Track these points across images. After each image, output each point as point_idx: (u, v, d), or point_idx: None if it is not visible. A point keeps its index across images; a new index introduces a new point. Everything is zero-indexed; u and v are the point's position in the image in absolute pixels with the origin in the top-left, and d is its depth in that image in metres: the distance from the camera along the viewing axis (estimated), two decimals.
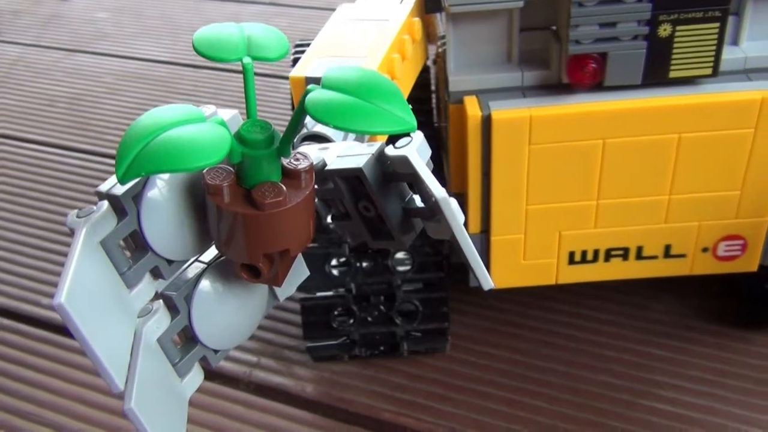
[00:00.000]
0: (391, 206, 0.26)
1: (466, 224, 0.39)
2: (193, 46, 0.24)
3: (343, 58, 0.33)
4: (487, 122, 0.37)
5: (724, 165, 0.38)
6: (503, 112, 0.36)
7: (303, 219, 0.25)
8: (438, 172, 0.43)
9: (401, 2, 0.37)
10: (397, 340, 0.45)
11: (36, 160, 0.72)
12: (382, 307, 0.44)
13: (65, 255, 0.55)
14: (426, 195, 0.25)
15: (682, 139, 0.37)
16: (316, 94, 0.22)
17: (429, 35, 0.45)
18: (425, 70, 0.43)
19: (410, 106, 0.23)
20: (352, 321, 0.44)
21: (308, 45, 0.46)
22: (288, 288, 0.30)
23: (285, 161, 0.24)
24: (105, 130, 0.77)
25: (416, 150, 0.25)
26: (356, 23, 0.36)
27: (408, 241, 0.27)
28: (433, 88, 0.49)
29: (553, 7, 0.36)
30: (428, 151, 0.26)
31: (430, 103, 0.48)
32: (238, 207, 0.24)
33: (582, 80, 0.36)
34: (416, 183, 0.25)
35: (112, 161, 0.72)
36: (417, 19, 0.36)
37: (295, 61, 0.47)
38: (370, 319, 0.44)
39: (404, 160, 0.25)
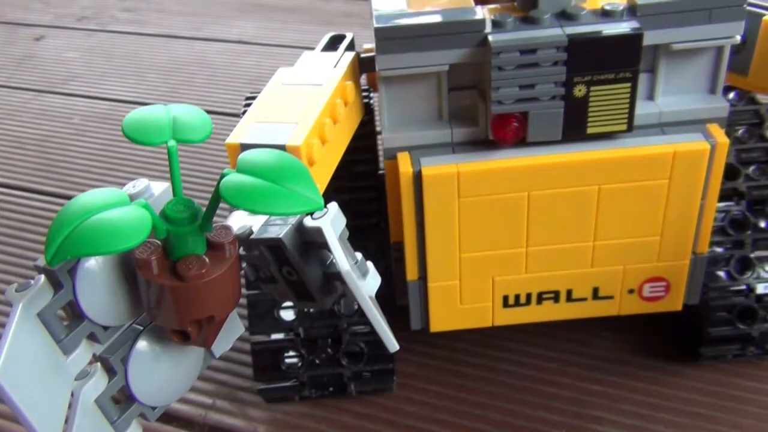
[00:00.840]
0: (311, 272, 0.28)
1: (404, 272, 0.41)
2: (123, 131, 0.26)
3: (277, 123, 0.35)
4: (418, 178, 0.39)
5: (643, 213, 0.41)
6: (433, 168, 0.39)
7: (227, 287, 0.27)
8: (384, 219, 0.45)
9: (335, 66, 0.39)
10: (345, 380, 0.47)
11: (1, 203, 0.73)
12: (329, 350, 0.46)
13: None
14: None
15: (602, 190, 0.40)
16: (230, 179, 0.24)
17: (374, 86, 0.47)
18: (372, 120, 0.45)
19: (317, 186, 0.25)
20: (300, 363, 0.46)
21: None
22: (223, 344, 0.32)
23: (209, 234, 0.26)
24: (72, 172, 0.78)
25: (330, 222, 0.27)
26: (292, 88, 0.38)
27: (329, 303, 0.29)
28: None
29: (478, 69, 0.39)
30: (343, 221, 0.28)
31: (376, 150, 0.50)
32: (164, 279, 0.26)
33: (506, 137, 0.39)
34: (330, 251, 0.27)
35: None
36: (350, 83, 0.39)
37: (248, 98, 0.49)
38: (317, 361, 0.46)
39: (319, 231, 0.27)
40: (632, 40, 0.36)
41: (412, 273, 0.42)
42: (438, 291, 0.43)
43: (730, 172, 0.45)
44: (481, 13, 0.38)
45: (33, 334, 0.25)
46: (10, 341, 0.24)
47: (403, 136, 0.40)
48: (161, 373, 0.29)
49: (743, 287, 0.45)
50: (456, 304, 0.43)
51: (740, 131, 0.47)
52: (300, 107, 0.36)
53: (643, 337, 0.52)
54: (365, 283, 0.28)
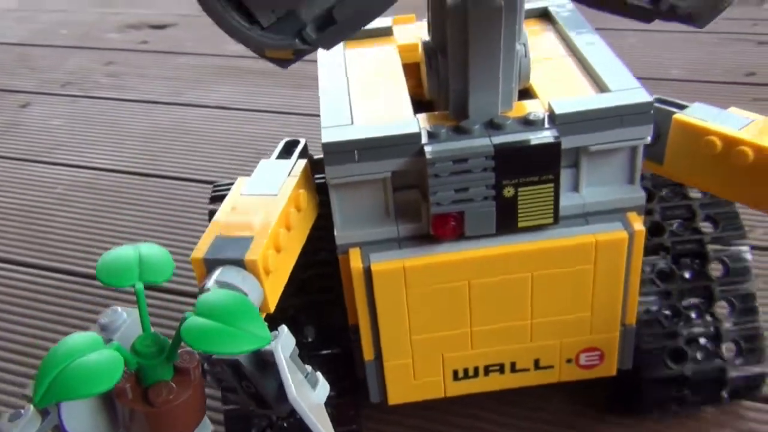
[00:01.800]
0: (267, 386, 0.32)
1: (361, 353, 0.45)
2: (96, 275, 0.31)
3: (236, 237, 0.39)
4: (368, 272, 0.43)
5: (573, 294, 0.45)
6: (381, 264, 0.43)
7: (194, 406, 0.31)
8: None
9: (290, 174, 0.44)
10: None
11: None
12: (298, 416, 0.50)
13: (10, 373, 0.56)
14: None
15: (535, 276, 0.44)
16: (191, 323, 0.28)
17: None
18: None
19: (265, 323, 0.29)
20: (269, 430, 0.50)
21: (224, 188, 0.53)
22: None
23: (176, 362, 0.31)
24: (56, 243, 0.80)
25: (281, 346, 0.31)
26: (250, 199, 0.42)
27: (285, 410, 0.33)
28: None
29: (419, 172, 0.43)
30: (292, 340, 0.32)
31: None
32: (138, 405, 0.30)
33: (445, 234, 0.43)
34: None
35: (61, 275, 0.74)
36: (302, 191, 0.43)
37: (212, 199, 0.54)
38: (286, 425, 0.50)
39: (270, 354, 0.31)
40: (552, 148, 0.41)
41: (368, 354, 0.47)
42: (393, 369, 0.47)
43: (656, 229, 0.50)
44: (418, 125, 0.42)
45: None
46: None
47: (353, 233, 0.44)
48: None
49: (673, 331, 0.50)
50: (410, 380, 0.48)
51: (664, 191, 0.52)
52: (257, 220, 0.40)
53: (592, 394, 0.56)
54: (315, 393, 0.32)
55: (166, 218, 0.82)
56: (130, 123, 1.04)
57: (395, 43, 0.53)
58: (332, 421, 0.50)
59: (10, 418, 0.29)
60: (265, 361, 0.32)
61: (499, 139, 0.41)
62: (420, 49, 0.45)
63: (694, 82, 1.01)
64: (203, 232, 0.42)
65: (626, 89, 0.43)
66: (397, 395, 0.48)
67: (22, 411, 0.30)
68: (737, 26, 1.15)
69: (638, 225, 0.44)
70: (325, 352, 0.50)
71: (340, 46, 0.52)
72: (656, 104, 0.44)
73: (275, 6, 0.30)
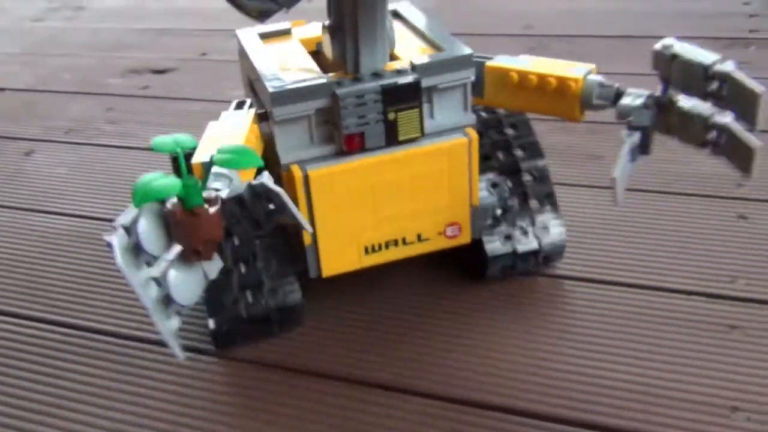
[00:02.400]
0: (259, 210, 0.53)
1: (302, 237, 0.66)
2: (152, 147, 0.51)
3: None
4: (306, 179, 0.65)
5: (437, 184, 0.69)
6: (314, 171, 0.65)
7: (217, 222, 0.51)
8: None
9: (243, 116, 0.65)
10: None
11: None
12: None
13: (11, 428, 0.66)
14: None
15: (413, 173, 0.68)
16: (219, 156, 0.49)
17: None
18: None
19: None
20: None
21: None
22: (212, 270, 0.55)
23: (205, 194, 0.51)
24: (59, 296, 0.82)
25: (266, 178, 0.52)
26: (222, 128, 0.63)
27: (270, 227, 0.54)
28: None
29: (332, 109, 0.66)
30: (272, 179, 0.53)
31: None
32: (185, 216, 0.50)
33: (353, 148, 0.66)
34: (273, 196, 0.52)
35: (63, 329, 0.76)
36: (255, 126, 0.64)
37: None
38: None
39: (260, 185, 0.52)
40: (415, 85, 0.65)
41: (307, 239, 0.68)
42: (325, 248, 0.69)
43: (486, 158, 0.75)
44: (329, 78, 0.65)
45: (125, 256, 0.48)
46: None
47: (292, 155, 0.66)
48: (186, 283, 0.53)
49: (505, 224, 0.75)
50: (336, 256, 0.69)
51: (490, 133, 0.77)
52: (230, 138, 0.61)
53: (452, 270, 0.80)
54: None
55: None
56: (131, 172, 1.07)
57: (296, 38, 0.76)
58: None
59: (111, 235, 0.48)
60: (257, 193, 0.52)
61: (383, 82, 0.65)
62: (322, 30, 0.68)
63: None
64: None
65: (455, 48, 0.68)
66: (328, 269, 0.70)
67: (116, 233, 0.48)
68: None
69: (473, 135, 0.69)
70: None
71: (259, 40, 0.74)
72: (474, 57, 0.69)
73: None
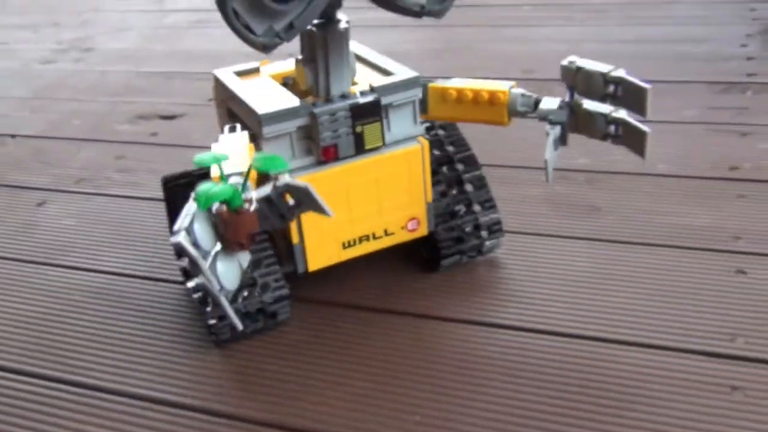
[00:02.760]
0: (283, 206, 0.65)
1: (292, 238, 0.79)
2: (194, 163, 0.63)
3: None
4: None
5: (398, 184, 0.83)
6: (299, 178, 0.78)
7: (253, 218, 0.63)
8: None
9: (239, 137, 0.78)
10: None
11: (4, 389, 0.79)
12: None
13: None
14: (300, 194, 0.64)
15: (378, 176, 0.82)
16: (256, 161, 0.62)
17: None
18: None
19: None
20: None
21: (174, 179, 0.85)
22: (245, 261, 0.67)
23: (244, 196, 0.63)
24: (70, 354, 0.83)
25: (289, 178, 0.65)
26: (225, 147, 0.75)
27: (294, 218, 0.66)
28: None
29: (309, 127, 0.79)
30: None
31: None
32: (230, 216, 0.62)
33: (329, 158, 0.79)
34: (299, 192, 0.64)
35: (77, 389, 0.78)
36: (251, 144, 0.77)
37: (165, 186, 0.85)
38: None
39: (285, 185, 0.65)
40: (377, 103, 0.79)
41: (295, 238, 0.81)
42: (310, 246, 0.81)
43: (434, 172, 0.90)
44: (305, 101, 0.78)
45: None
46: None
47: None
48: (229, 271, 0.64)
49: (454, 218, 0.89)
50: (320, 252, 0.82)
51: (436, 152, 0.92)
52: (236, 154, 0.74)
53: (411, 263, 0.94)
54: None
55: (179, 326, 0.87)
56: (142, 223, 1.08)
57: (265, 74, 0.90)
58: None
59: (178, 233, 0.60)
60: (281, 192, 0.65)
61: (350, 101, 0.79)
62: (296, 63, 0.81)
63: (679, 178, 1.06)
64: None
65: (403, 72, 0.83)
66: (313, 264, 0.83)
67: (180, 235, 0.60)
68: (722, 116, 1.23)
69: (425, 142, 0.84)
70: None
71: (236, 77, 0.87)
72: (420, 80, 0.84)
73: (264, 25, 0.66)
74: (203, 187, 0.60)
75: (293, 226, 0.80)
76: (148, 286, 0.94)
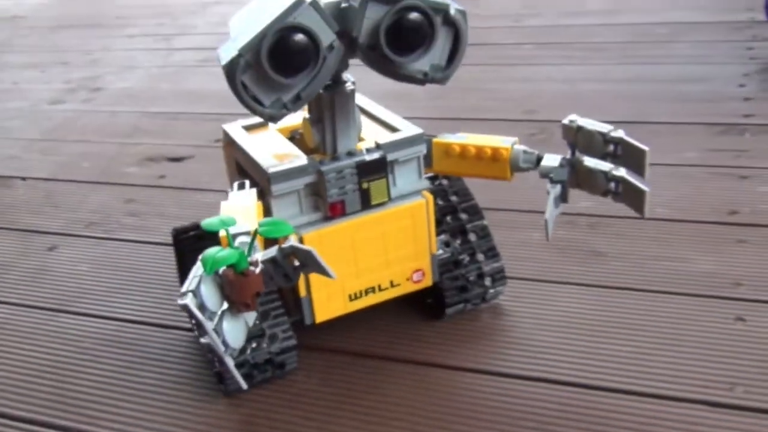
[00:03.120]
0: (288, 267, 0.67)
1: (299, 291, 0.81)
2: (203, 227, 0.65)
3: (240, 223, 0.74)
4: (301, 240, 0.80)
5: (404, 237, 0.85)
6: (307, 234, 0.80)
7: (259, 280, 0.65)
8: None
9: (249, 196, 0.80)
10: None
11: None
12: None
13: None
14: (306, 257, 0.67)
15: (384, 230, 0.84)
16: (262, 228, 0.64)
17: None
18: None
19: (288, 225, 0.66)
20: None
21: (184, 231, 0.87)
22: (250, 319, 0.69)
23: (250, 258, 0.66)
24: (83, 403, 0.83)
25: (293, 242, 0.67)
26: (234, 205, 0.77)
27: (297, 278, 0.68)
28: None
29: (317, 184, 0.81)
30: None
31: None
32: (236, 278, 0.64)
33: (336, 214, 0.81)
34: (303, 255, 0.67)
35: None
36: (259, 202, 0.79)
37: (175, 239, 0.87)
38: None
39: (290, 248, 0.67)
40: (382, 160, 0.82)
41: (303, 291, 0.83)
42: (317, 298, 0.83)
43: (438, 222, 0.92)
44: (313, 159, 0.81)
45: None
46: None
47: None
48: (235, 330, 0.66)
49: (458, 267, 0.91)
50: (327, 304, 0.84)
51: (440, 202, 0.94)
52: (244, 213, 0.76)
53: (420, 311, 0.96)
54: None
55: (188, 373, 0.88)
56: (153, 268, 1.09)
57: (273, 128, 0.92)
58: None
59: (184, 298, 0.62)
60: (286, 255, 0.67)
61: (357, 159, 0.81)
62: (303, 121, 0.84)
63: (680, 222, 1.08)
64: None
65: (408, 128, 0.86)
66: (321, 316, 0.85)
67: (187, 297, 0.62)
68: (721, 158, 1.24)
69: (429, 196, 0.86)
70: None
71: (244, 132, 0.90)
72: (425, 136, 0.86)
73: (272, 97, 0.68)
74: (210, 252, 0.62)
75: (301, 279, 0.82)
76: (157, 333, 0.95)
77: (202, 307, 0.62)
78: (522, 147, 0.84)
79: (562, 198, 0.79)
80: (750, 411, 0.74)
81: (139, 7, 2.92)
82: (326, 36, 0.70)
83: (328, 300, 0.84)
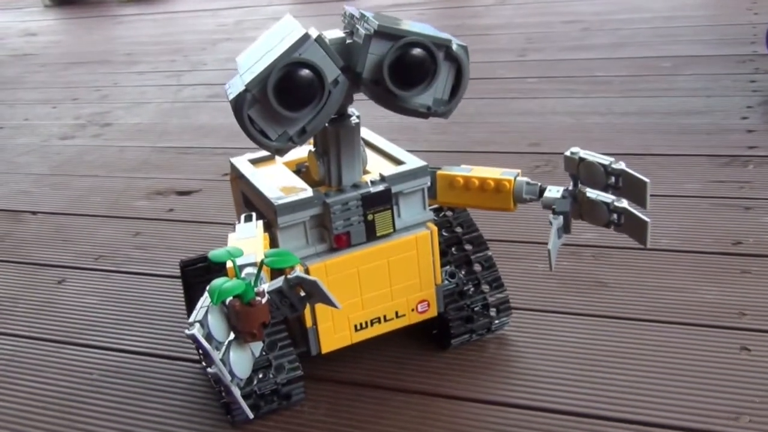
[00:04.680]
0: (294, 297, 0.68)
1: (306, 322, 0.82)
2: (210, 258, 0.66)
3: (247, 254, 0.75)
4: (306, 271, 0.81)
5: (409, 268, 0.86)
6: (313, 266, 0.81)
7: (265, 310, 0.66)
8: None
9: (255, 227, 0.81)
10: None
11: None
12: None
13: None
14: (312, 288, 0.68)
15: (389, 261, 0.85)
16: (268, 259, 0.65)
17: None
18: None
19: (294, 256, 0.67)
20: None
21: (192, 262, 0.88)
22: (257, 349, 0.70)
23: (257, 289, 0.67)
24: None
25: (299, 273, 0.68)
26: (241, 237, 0.79)
27: (303, 308, 0.69)
28: None
29: (322, 216, 0.83)
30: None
31: None
32: (242, 308, 0.65)
33: (341, 245, 0.83)
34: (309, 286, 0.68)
35: None
36: (266, 234, 0.80)
37: (183, 271, 0.88)
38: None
39: (296, 279, 0.68)
40: (387, 192, 0.83)
41: (309, 322, 0.84)
42: (323, 329, 0.84)
43: (443, 253, 0.93)
44: (318, 191, 0.82)
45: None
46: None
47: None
48: (241, 360, 0.67)
49: (462, 298, 0.92)
50: (333, 335, 0.85)
51: (445, 233, 0.95)
52: (251, 245, 0.77)
53: (425, 342, 0.96)
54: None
55: (195, 405, 0.88)
56: (160, 300, 1.10)
57: (279, 162, 0.94)
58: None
59: (192, 329, 0.63)
60: (292, 285, 0.68)
61: (362, 191, 0.82)
62: (308, 155, 0.85)
63: (684, 253, 1.08)
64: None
65: (412, 161, 0.87)
66: (326, 346, 0.85)
67: (195, 327, 0.63)
68: (725, 190, 1.25)
69: (433, 228, 0.87)
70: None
71: (251, 165, 0.91)
72: (429, 168, 0.88)
73: (278, 131, 0.70)
74: (216, 282, 0.63)
75: (307, 309, 0.83)
76: (164, 364, 0.96)
77: (209, 337, 0.63)
78: (525, 179, 0.85)
79: (565, 229, 0.80)
80: None
81: (150, 44, 2.97)
82: (331, 71, 0.72)
83: (333, 331, 0.85)
